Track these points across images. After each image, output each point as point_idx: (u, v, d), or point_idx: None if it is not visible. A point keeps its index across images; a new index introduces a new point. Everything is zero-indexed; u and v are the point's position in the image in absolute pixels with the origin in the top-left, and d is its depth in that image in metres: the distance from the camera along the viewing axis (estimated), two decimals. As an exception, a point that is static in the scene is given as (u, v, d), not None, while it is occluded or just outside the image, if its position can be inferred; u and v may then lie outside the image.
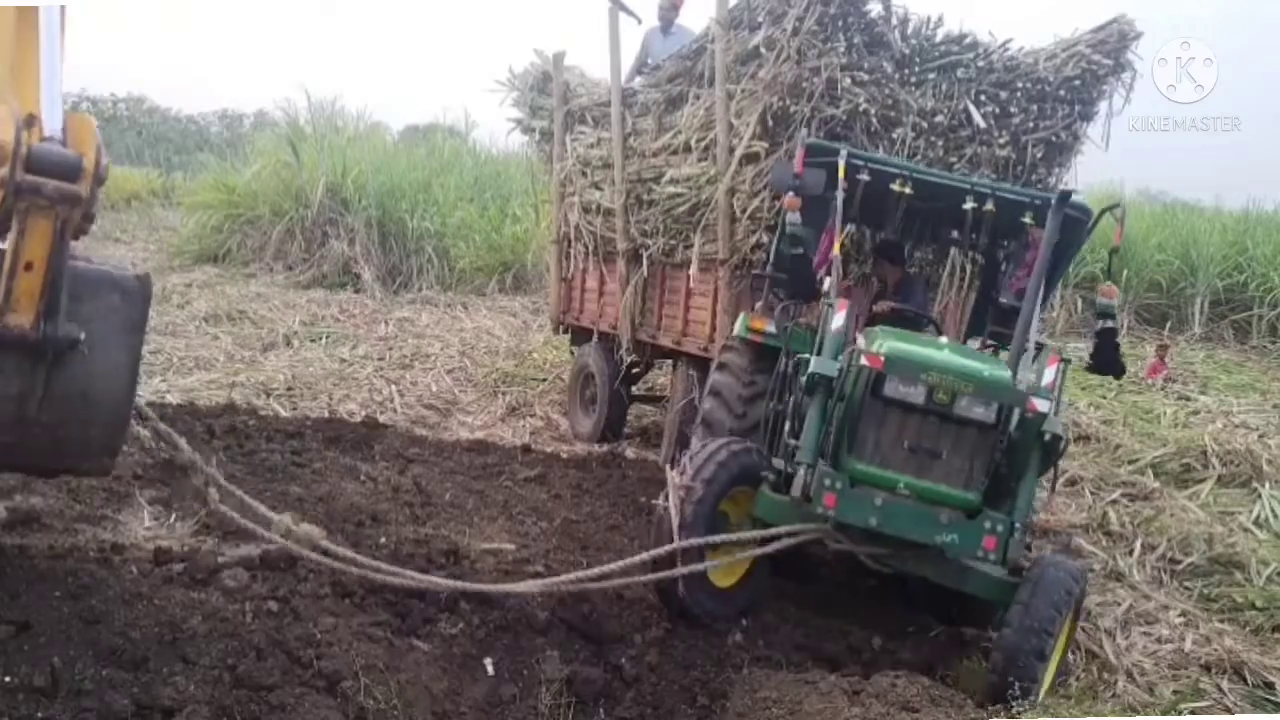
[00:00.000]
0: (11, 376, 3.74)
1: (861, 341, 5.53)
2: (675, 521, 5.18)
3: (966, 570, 5.32)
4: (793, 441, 5.62)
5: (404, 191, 16.51)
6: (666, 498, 5.23)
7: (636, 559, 5.31)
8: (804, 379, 5.49)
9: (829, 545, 5.39)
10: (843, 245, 6.05)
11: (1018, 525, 5.21)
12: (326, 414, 9.58)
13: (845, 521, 5.22)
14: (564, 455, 9.26)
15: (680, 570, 5.22)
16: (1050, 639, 4.98)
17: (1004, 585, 5.28)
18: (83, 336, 3.74)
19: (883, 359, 5.17)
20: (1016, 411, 5.33)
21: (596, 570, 5.24)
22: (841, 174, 5.84)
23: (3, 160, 3.53)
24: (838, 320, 5.59)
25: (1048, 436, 5.28)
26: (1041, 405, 5.21)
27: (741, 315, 6.81)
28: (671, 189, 8.51)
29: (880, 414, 5.27)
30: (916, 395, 5.17)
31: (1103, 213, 6.07)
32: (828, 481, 5.17)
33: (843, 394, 5.31)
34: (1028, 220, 5.98)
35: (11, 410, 3.75)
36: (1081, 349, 11.57)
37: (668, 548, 5.25)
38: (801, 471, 5.27)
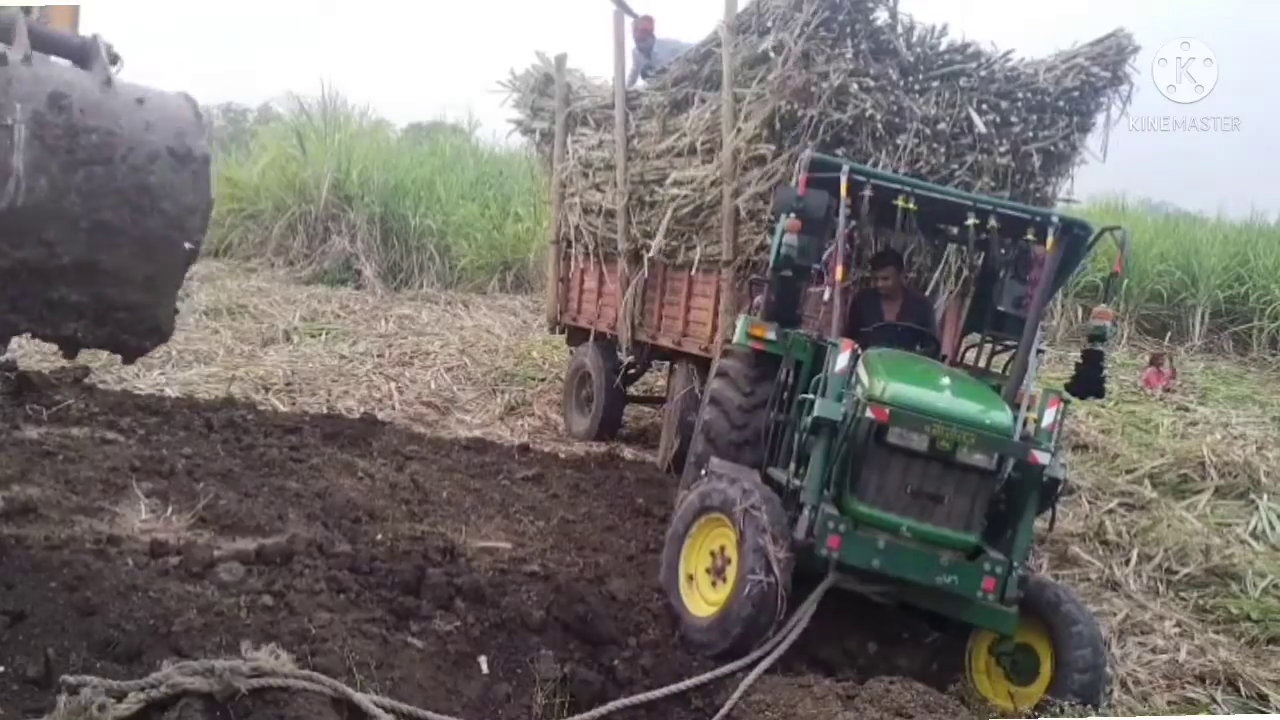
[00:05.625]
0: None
1: (864, 375, 5.55)
2: (782, 594, 5.13)
3: (967, 601, 5.40)
4: (797, 482, 5.70)
5: (407, 189, 16.52)
6: (769, 570, 5.11)
7: (762, 664, 5.08)
8: (808, 419, 5.56)
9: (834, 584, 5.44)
10: (846, 272, 6.08)
11: (1016, 565, 5.30)
12: (325, 410, 9.59)
13: (849, 564, 5.29)
14: (562, 455, 9.26)
15: (778, 652, 5.15)
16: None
17: (1003, 615, 5.39)
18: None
19: (888, 411, 5.24)
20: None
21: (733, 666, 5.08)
22: (844, 190, 5.86)
23: None
24: (841, 361, 5.62)
25: (1047, 479, 5.40)
26: (1042, 458, 5.32)
27: (741, 319, 6.80)
28: (675, 190, 8.52)
29: (884, 459, 5.37)
30: (920, 443, 5.28)
31: (1102, 232, 6.09)
32: (832, 525, 5.25)
33: (847, 435, 5.36)
34: (1030, 237, 6.01)
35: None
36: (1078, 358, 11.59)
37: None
38: (806, 513, 5.35)
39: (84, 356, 9.54)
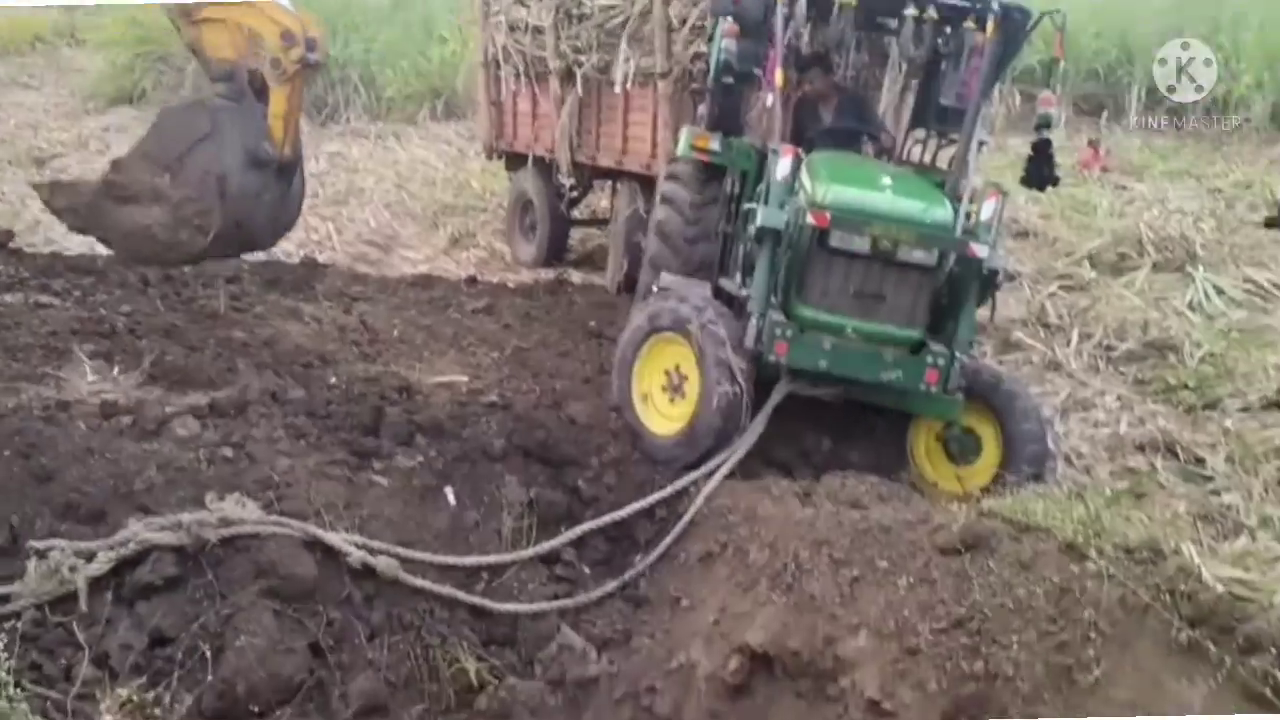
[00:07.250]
0: (275, 189, 6.49)
1: (806, 180, 5.52)
2: (747, 403, 5.30)
3: (913, 394, 5.55)
4: (745, 291, 5.73)
5: (319, 12, 15.69)
6: (734, 380, 5.21)
7: (721, 470, 5.24)
8: (752, 228, 5.57)
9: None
10: (786, 80, 5.94)
11: (958, 355, 5.43)
12: (263, 256, 9.37)
13: (797, 367, 5.40)
14: (510, 284, 9.20)
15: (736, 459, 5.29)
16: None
17: (948, 402, 5.56)
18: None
19: (829, 216, 5.25)
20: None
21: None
22: None
23: (297, 43, 6.05)
24: (783, 168, 5.58)
25: (986, 271, 5.51)
26: (980, 251, 5.40)
27: (684, 131, 6.67)
28: (604, 1, 8.18)
29: (826, 262, 5.44)
30: (861, 245, 5.34)
31: (1042, 16, 5.97)
32: (779, 331, 5.33)
33: (790, 243, 5.39)
34: (969, 25, 5.88)
35: (269, 211, 6.58)
36: (1020, 145, 11.55)
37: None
38: (754, 320, 5.40)
39: (5, 220, 9.21)
